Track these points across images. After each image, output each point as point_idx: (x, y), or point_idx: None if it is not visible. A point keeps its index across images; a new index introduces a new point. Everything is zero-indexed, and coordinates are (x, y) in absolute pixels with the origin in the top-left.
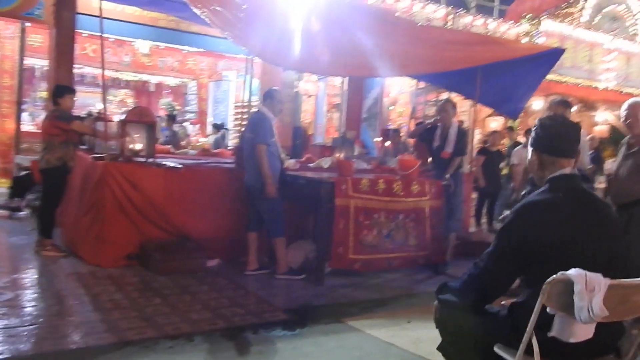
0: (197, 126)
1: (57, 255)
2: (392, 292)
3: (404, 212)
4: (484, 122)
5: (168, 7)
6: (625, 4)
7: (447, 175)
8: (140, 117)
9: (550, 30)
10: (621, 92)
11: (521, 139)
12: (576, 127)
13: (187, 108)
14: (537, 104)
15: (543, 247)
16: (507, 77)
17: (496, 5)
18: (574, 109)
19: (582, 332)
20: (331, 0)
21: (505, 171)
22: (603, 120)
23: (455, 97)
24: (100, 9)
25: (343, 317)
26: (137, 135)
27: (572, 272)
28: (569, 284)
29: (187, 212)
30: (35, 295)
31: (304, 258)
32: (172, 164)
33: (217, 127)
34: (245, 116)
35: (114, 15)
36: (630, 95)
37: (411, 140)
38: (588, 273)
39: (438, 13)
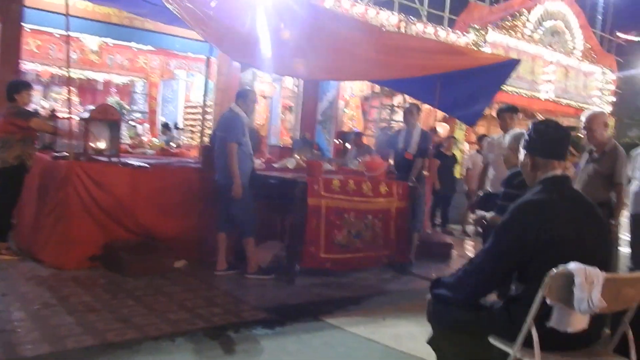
0: (146, 126)
1: (12, 259)
2: (363, 290)
3: (373, 213)
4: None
5: (126, 3)
6: (563, 20)
7: (413, 178)
8: (104, 115)
9: (497, 42)
10: (560, 103)
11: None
12: (567, 132)
13: (135, 107)
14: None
15: (541, 244)
16: (465, 85)
17: (446, 15)
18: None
19: (579, 323)
20: (297, 2)
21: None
22: None
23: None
24: (67, 5)
25: (320, 315)
26: (101, 133)
27: (572, 265)
28: (569, 277)
29: (154, 212)
30: None
31: (273, 257)
32: (139, 163)
33: (167, 127)
34: (196, 117)
35: (63, 10)
36: (569, 106)
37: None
38: (587, 267)
39: (391, 20)
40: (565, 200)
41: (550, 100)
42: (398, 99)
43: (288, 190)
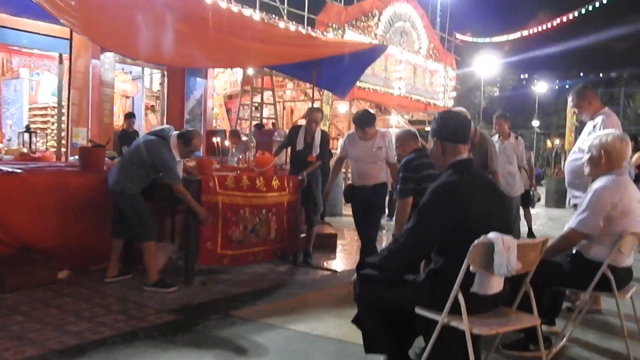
0: None
1: None
2: (262, 284)
3: (267, 207)
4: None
5: None
6: (410, 21)
7: (304, 172)
8: None
9: (353, 40)
10: (410, 98)
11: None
12: (468, 119)
13: None
14: (342, 108)
15: (458, 220)
16: (339, 64)
17: (306, 14)
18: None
19: (496, 286)
20: None
21: None
22: (396, 122)
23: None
24: None
25: (229, 311)
26: None
27: (492, 235)
28: (489, 246)
29: (30, 221)
30: None
31: (167, 260)
32: (9, 168)
33: (28, 130)
34: (46, 119)
35: None
36: (418, 101)
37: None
38: (504, 236)
39: (254, 17)
40: (473, 180)
41: (402, 96)
42: (266, 95)
43: None
